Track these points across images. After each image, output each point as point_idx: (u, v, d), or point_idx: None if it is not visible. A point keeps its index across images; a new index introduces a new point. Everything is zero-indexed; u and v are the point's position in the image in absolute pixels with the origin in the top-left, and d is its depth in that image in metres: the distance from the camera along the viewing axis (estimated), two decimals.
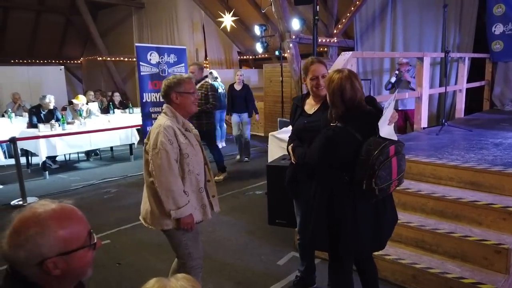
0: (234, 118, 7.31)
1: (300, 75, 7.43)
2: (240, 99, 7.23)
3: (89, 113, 7.97)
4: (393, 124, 2.17)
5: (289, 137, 2.74)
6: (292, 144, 2.56)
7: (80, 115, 7.54)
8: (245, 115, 7.30)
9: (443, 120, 5.22)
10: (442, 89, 5.70)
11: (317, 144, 2.19)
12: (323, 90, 2.50)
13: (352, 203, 2.14)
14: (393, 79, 6.44)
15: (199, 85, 5.64)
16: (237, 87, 7.30)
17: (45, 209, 1.08)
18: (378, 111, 2.17)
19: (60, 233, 1.06)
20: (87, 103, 8.37)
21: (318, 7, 4.78)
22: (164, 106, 2.46)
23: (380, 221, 2.22)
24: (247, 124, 7.35)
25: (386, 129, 2.09)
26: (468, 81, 6.54)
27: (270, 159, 4.71)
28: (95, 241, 1.15)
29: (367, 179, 2.01)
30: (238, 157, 7.48)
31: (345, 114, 2.12)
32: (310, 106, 2.62)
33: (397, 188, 2.28)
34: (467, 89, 6.55)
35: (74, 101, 7.96)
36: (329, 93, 2.17)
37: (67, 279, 1.12)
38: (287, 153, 2.72)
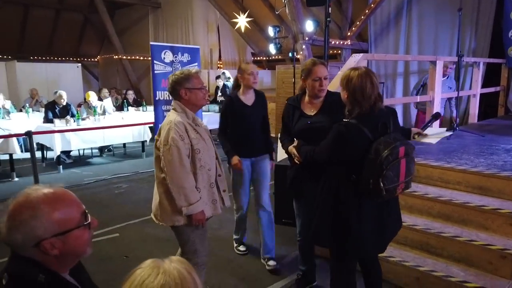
0: (244, 166, 3.29)
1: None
2: (256, 125, 3.30)
3: (103, 110, 8.11)
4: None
5: (281, 139, 2.74)
6: (296, 144, 2.54)
7: (95, 111, 7.68)
8: (265, 161, 3.41)
9: (455, 125, 5.17)
10: (455, 94, 5.64)
11: (328, 139, 2.19)
12: (324, 91, 2.54)
13: (358, 202, 2.15)
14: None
15: None
16: (247, 100, 3.25)
17: (37, 193, 1.13)
18: (394, 123, 2.21)
19: (53, 215, 1.11)
20: (100, 100, 8.52)
21: (330, 8, 4.77)
22: (173, 102, 2.44)
23: (383, 224, 2.23)
24: (266, 178, 3.40)
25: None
26: (483, 86, 6.45)
27: (278, 159, 4.75)
28: (89, 220, 1.20)
29: (374, 178, 2.02)
30: (241, 247, 3.67)
31: (361, 111, 2.11)
32: (310, 107, 2.63)
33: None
34: (482, 95, 6.46)
35: (86, 99, 8.12)
36: (349, 91, 2.13)
37: (67, 258, 1.18)
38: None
